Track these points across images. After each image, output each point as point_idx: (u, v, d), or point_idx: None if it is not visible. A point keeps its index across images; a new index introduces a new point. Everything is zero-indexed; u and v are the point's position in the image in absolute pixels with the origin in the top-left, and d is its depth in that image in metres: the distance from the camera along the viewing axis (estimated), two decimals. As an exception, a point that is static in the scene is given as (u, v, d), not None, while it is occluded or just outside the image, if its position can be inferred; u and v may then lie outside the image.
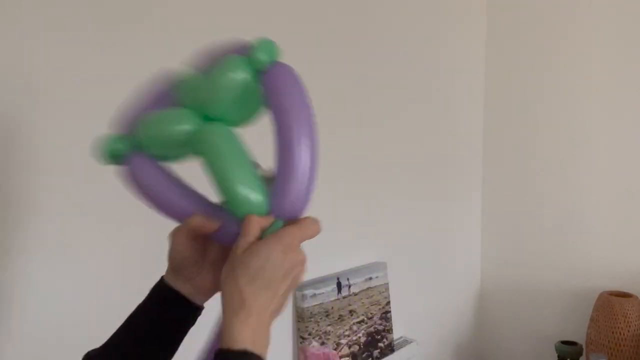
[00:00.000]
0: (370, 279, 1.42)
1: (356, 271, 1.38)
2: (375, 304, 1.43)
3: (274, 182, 0.53)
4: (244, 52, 0.54)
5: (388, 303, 1.47)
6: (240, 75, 0.53)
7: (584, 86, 1.77)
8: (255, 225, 0.51)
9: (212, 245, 0.59)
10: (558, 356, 1.61)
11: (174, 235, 0.57)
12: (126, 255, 0.90)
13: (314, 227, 0.53)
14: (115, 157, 0.56)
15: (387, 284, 1.47)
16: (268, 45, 0.54)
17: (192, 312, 0.59)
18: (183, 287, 0.58)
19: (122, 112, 0.57)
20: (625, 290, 1.66)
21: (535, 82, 1.87)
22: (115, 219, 0.88)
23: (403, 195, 1.61)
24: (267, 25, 1.13)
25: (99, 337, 0.58)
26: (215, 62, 0.55)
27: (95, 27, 0.83)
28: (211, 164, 0.52)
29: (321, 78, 1.29)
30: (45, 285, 0.80)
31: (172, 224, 0.57)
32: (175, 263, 0.58)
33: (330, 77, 1.31)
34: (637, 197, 1.69)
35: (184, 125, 0.54)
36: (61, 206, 0.81)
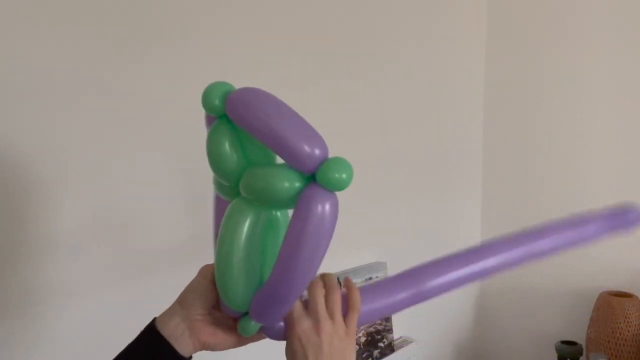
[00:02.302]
0: (370, 279, 1.41)
1: (356, 271, 1.38)
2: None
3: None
4: (310, 164, 0.46)
5: (388, 303, 1.47)
6: (293, 192, 0.47)
7: (584, 82, 1.76)
8: (322, 309, 0.58)
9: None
10: (558, 356, 1.61)
11: (204, 269, 0.57)
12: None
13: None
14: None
15: (387, 284, 1.47)
16: (343, 167, 0.46)
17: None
18: (177, 327, 0.55)
19: None
20: (625, 290, 1.66)
21: (534, 80, 1.87)
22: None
23: (403, 195, 1.61)
24: (267, 24, 1.13)
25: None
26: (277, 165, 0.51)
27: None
28: (221, 242, 0.51)
29: (322, 77, 1.29)
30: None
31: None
32: (189, 294, 0.57)
33: (330, 77, 1.31)
34: (637, 197, 1.69)
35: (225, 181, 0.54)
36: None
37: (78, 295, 0.83)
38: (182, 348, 0.55)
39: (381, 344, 1.44)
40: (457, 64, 1.85)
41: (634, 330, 1.55)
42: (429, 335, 1.75)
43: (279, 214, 0.56)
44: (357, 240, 1.44)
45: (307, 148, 0.46)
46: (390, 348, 1.47)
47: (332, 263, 1.44)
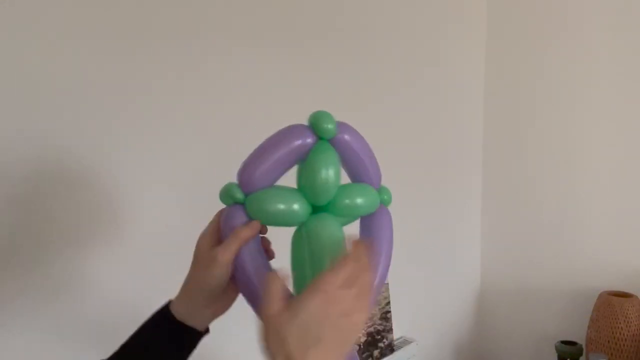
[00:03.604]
0: (371, 279, 1.41)
1: (356, 271, 1.38)
2: (375, 304, 1.43)
3: None
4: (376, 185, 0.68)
5: (388, 303, 1.47)
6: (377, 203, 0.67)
7: (584, 82, 1.76)
8: (276, 284, 0.49)
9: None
10: (558, 356, 1.61)
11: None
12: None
13: (356, 268, 0.49)
14: (227, 202, 0.58)
15: (387, 284, 1.47)
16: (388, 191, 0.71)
17: (197, 338, 0.58)
18: (191, 307, 0.56)
19: (245, 164, 0.57)
20: (625, 290, 1.66)
21: (535, 80, 1.87)
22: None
23: (402, 196, 1.61)
24: (271, 24, 1.13)
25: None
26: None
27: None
28: (304, 256, 0.56)
29: (322, 78, 1.29)
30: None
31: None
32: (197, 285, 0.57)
33: (331, 77, 1.31)
34: (637, 197, 1.69)
35: (295, 215, 0.57)
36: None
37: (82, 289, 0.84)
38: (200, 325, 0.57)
39: (381, 344, 1.44)
40: (457, 64, 1.85)
41: (634, 330, 1.55)
42: (429, 335, 1.75)
43: None
44: (357, 240, 1.44)
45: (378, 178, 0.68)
46: (390, 348, 1.47)
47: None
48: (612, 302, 1.58)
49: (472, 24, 1.92)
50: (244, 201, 0.56)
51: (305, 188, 0.57)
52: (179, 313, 0.56)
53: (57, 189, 0.81)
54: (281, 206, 0.56)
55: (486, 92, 1.98)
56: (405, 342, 1.56)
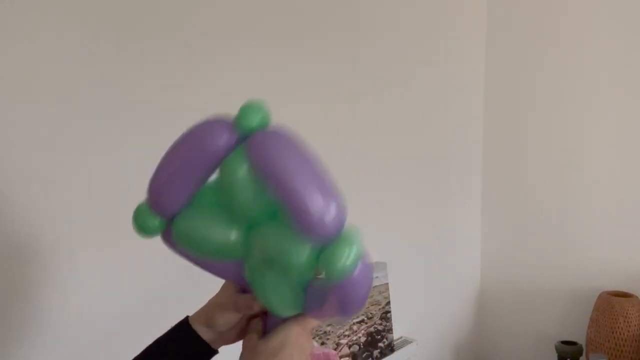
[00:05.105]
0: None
1: (356, 271, 1.38)
2: (375, 304, 1.43)
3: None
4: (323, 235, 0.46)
5: (388, 303, 1.47)
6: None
7: (584, 86, 1.76)
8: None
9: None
10: (558, 356, 1.61)
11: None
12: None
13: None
14: (147, 232, 0.51)
15: (387, 284, 1.47)
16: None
17: (209, 354, 0.61)
18: (206, 333, 0.60)
19: (153, 180, 0.51)
20: (625, 290, 1.66)
21: (534, 83, 1.87)
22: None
23: (403, 196, 1.61)
24: (264, 25, 1.13)
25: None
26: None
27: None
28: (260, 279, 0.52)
29: (321, 77, 1.29)
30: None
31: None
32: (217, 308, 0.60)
33: (330, 76, 1.31)
34: (637, 197, 1.69)
35: (230, 236, 0.49)
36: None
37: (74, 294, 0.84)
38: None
39: (381, 344, 1.44)
40: (457, 64, 1.84)
41: (634, 330, 1.55)
42: (429, 335, 1.75)
43: None
44: (357, 240, 1.44)
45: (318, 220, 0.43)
46: (390, 348, 1.47)
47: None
48: (612, 302, 1.58)
49: (472, 24, 1.92)
50: (165, 227, 0.50)
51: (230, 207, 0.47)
52: (195, 325, 0.60)
53: (49, 192, 0.81)
54: (217, 237, 0.49)
55: (486, 92, 1.98)
56: (405, 342, 1.56)
